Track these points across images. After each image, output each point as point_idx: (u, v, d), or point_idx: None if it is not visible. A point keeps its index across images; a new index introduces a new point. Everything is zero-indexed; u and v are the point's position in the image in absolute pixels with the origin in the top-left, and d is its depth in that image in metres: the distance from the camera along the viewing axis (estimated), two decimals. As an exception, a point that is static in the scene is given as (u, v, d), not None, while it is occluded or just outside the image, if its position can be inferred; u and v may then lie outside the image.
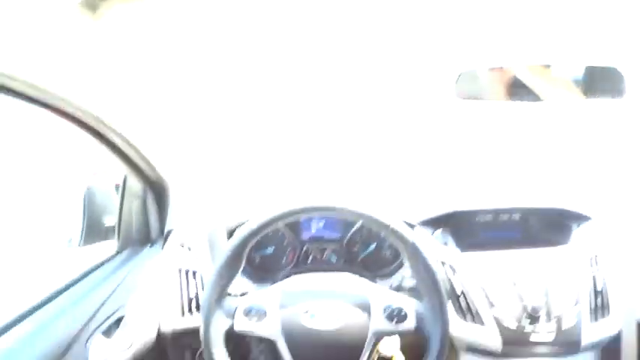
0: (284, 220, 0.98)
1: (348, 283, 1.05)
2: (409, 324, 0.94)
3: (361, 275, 1.21)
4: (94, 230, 1.34)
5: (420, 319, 0.95)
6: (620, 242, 1.21)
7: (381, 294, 1.00)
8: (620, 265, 1.17)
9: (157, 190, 1.32)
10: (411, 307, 0.96)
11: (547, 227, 1.25)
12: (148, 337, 1.13)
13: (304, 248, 1.33)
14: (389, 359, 1.13)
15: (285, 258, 1.34)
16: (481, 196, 1.29)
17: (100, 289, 1.07)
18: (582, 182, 1.50)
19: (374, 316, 0.95)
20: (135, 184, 1.27)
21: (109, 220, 1.37)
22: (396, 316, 0.95)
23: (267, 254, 1.34)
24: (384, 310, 0.96)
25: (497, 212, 1.27)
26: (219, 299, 0.96)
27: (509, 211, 1.27)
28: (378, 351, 1.10)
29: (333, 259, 1.33)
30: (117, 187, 1.37)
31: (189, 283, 1.22)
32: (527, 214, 1.27)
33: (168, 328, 1.15)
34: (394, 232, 0.96)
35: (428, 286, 0.95)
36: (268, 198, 1.37)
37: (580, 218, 1.23)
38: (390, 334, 0.96)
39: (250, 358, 1.13)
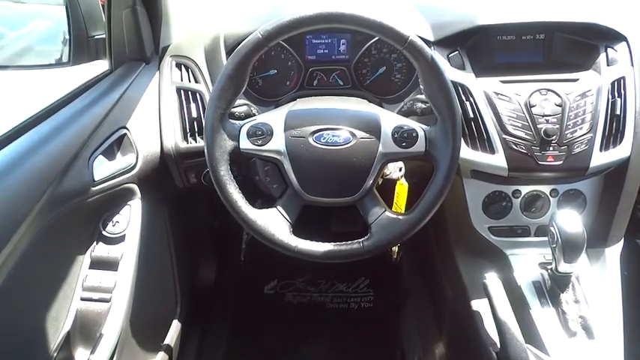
0: (293, 31, 0.89)
1: (357, 105, 1.00)
2: (419, 147, 0.92)
3: (369, 99, 1.16)
4: (81, 45, 1.23)
5: (430, 142, 0.92)
6: None
7: (391, 116, 0.96)
8: None
9: None
10: (422, 130, 0.93)
11: (572, 49, 1.15)
12: (151, 157, 1.12)
13: (309, 70, 1.24)
14: (394, 183, 1.13)
15: (289, 81, 1.26)
16: (504, 14, 1.16)
17: (97, 107, 1.03)
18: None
19: (383, 138, 0.92)
20: None
21: (98, 33, 1.25)
22: (407, 138, 0.92)
23: (270, 76, 1.26)
24: (395, 132, 0.92)
25: (520, 31, 1.16)
26: (223, 118, 0.91)
27: (534, 29, 1.16)
28: (384, 174, 1.10)
29: (340, 82, 1.26)
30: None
31: (190, 104, 1.16)
32: (553, 30, 1.15)
33: (171, 148, 1.14)
34: (412, 46, 0.88)
35: (442, 106, 0.90)
36: (271, 9, 1.24)
37: (611, 37, 1.13)
38: (398, 156, 0.94)
39: (256, 179, 1.13)
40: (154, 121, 1.15)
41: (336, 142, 0.91)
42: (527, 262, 1.13)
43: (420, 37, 1.11)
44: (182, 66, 1.21)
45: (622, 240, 1.18)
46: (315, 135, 0.92)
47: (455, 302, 1.27)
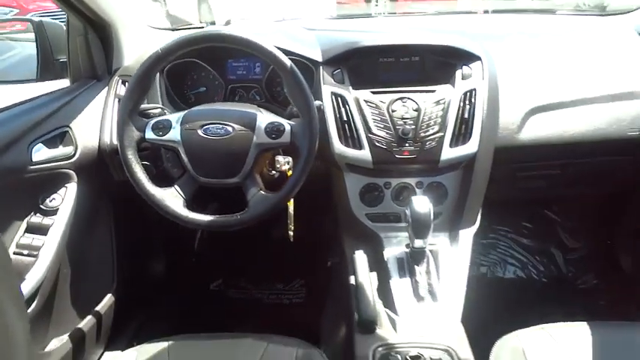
0: (185, 48, 1.15)
1: (244, 107, 1.24)
2: (285, 138, 1.16)
3: (277, 111, 1.40)
4: (48, 66, 1.52)
5: (294, 134, 1.15)
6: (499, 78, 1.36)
7: (267, 115, 1.20)
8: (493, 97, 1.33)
9: (98, 29, 1.47)
10: (289, 124, 1.16)
11: (439, 68, 1.37)
12: (89, 150, 1.37)
13: (230, 87, 1.51)
14: (285, 174, 1.34)
15: (216, 96, 1.52)
16: (384, 38, 1.39)
17: (45, 107, 1.29)
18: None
19: (257, 132, 1.16)
20: (76, 22, 1.42)
21: (62, 57, 1.54)
22: (276, 132, 1.16)
23: (201, 93, 1.53)
24: (267, 127, 1.16)
25: (397, 53, 1.38)
26: (132, 114, 1.17)
27: (409, 52, 1.38)
28: (275, 166, 1.32)
29: (258, 97, 1.52)
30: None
31: None
32: (425, 53, 1.38)
33: (107, 145, 1.39)
34: (275, 59, 1.13)
35: (302, 107, 1.14)
36: None
37: (468, 58, 1.34)
38: (270, 145, 1.17)
39: (161, 164, 1.37)
40: (96, 123, 1.41)
41: (219, 133, 1.16)
42: (397, 243, 1.34)
43: (311, 58, 1.37)
44: (126, 82, 1.48)
45: (477, 223, 1.38)
46: (203, 128, 1.16)
47: (341, 281, 1.46)
